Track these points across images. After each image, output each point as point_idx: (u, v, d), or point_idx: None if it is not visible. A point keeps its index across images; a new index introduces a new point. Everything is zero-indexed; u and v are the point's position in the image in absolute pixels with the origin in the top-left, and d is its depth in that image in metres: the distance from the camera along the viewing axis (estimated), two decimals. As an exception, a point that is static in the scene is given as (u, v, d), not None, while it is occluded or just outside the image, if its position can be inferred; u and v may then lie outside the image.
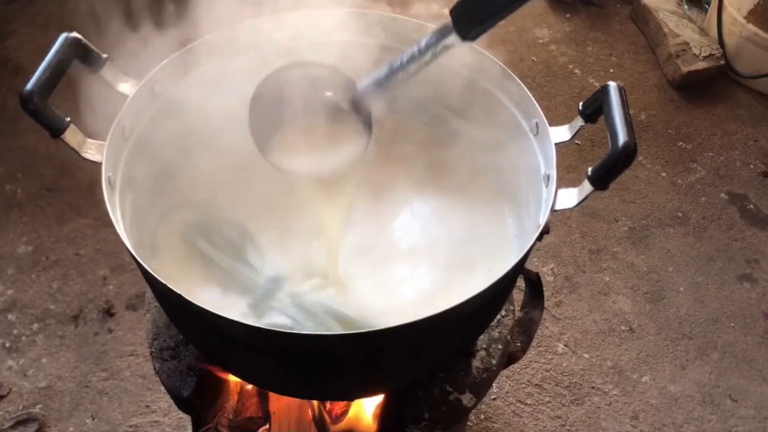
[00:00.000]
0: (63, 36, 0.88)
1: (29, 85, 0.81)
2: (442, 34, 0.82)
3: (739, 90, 2.49)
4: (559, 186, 0.85)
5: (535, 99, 0.95)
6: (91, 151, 0.87)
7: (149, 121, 0.98)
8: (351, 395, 1.02)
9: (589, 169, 0.78)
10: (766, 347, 1.80)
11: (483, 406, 1.63)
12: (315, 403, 1.14)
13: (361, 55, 1.03)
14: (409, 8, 1.13)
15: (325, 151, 0.98)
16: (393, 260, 1.05)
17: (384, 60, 0.90)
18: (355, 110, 0.95)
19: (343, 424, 1.14)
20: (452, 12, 0.81)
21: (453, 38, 0.82)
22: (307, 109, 0.96)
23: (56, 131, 0.84)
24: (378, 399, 1.11)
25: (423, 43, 0.84)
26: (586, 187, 0.79)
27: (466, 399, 1.03)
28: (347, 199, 1.02)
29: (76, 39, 0.89)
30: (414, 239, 1.08)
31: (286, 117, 0.96)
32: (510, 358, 1.14)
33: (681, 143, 2.29)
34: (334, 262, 1.01)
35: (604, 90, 0.83)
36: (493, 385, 1.58)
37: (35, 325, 1.73)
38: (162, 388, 1.07)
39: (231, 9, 1.00)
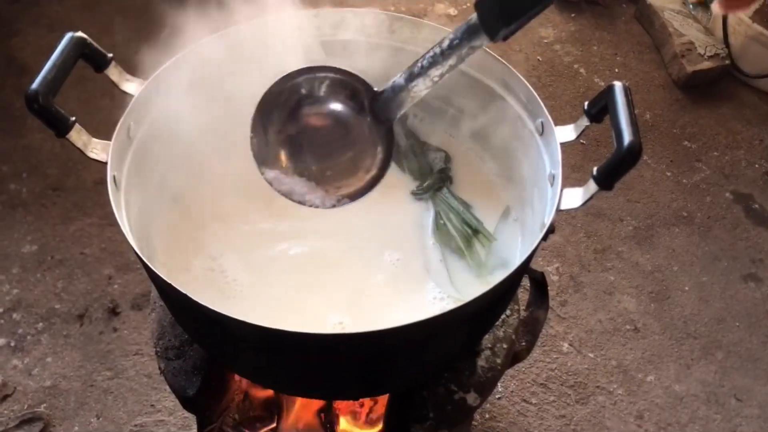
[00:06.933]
0: (68, 35, 0.88)
1: (34, 85, 0.81)
2: (468, 34, 0.73)
3: (744, 89, 2.49)
4: (564, 185, 0.85)
5: (540, 99, 0.95)
6: (96, 150, 0.87)
7: (154, 121, 0.98)
8: (356, 394, 1.02)
9: (595, 168, 0.78)
10: (772, 347, 1.79)
11: (488, 406, 1.63)
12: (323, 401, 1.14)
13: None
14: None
15: (338, 174, 0.87)
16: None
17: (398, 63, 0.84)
18: (374, 121, 0.85)
19: (349, 424, 1.14)
20: (478, 6, 0.71)
21: (481, 39, 0.73)
22: (319, 118, 0.87)
23: (61, 130, 0.84)
24: (383, 398, 1.11)
25: (446, 44, 0.75)
26: (592, 186, 0.79)
27: (471, 398, 1.03)
28: None
29: (81, 38, 0.89)
30: (416, 240, 1.08)
31: (295, 128, 0.87)
32: (515, 357, 1.13)
33: (686, 143, 2.29)
34: None
35: (610, 90, 0.83)
36: (498, 384, 1.57)
37: (40, 325, 1.73)
38: (167, 387, 1.07)
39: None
